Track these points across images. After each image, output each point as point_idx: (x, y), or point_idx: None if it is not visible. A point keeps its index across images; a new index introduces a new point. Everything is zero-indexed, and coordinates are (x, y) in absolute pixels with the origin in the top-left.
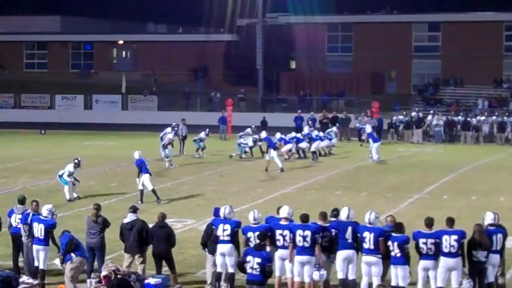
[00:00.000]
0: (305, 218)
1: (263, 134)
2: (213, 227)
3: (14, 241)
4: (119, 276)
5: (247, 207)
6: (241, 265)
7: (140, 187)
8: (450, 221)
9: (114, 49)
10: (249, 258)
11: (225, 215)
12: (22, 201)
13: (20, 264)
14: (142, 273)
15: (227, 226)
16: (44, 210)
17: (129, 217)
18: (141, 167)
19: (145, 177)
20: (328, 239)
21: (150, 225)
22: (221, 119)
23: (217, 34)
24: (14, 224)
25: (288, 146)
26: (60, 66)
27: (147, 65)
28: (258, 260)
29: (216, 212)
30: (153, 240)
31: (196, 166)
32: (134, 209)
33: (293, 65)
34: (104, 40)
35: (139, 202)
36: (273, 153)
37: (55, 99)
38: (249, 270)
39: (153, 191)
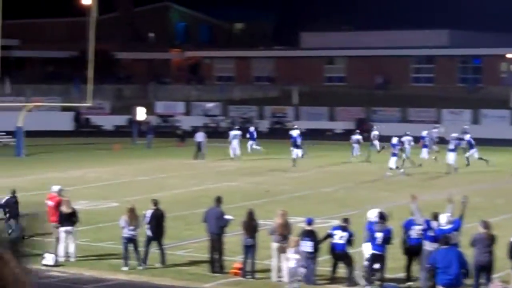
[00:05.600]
0: None
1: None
2: None
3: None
4: None
5: None
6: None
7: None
8: None
9: (503, 63)
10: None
11: None
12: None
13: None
14: None
15: None
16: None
17: None
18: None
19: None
20: None
21: None
22: None
23: None
24: (414, 236)
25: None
26: (447, 80)
27: None
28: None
29: None
30: None
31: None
32: None
33: None
34: (492, 53)
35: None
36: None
37: (442, 114)
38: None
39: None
